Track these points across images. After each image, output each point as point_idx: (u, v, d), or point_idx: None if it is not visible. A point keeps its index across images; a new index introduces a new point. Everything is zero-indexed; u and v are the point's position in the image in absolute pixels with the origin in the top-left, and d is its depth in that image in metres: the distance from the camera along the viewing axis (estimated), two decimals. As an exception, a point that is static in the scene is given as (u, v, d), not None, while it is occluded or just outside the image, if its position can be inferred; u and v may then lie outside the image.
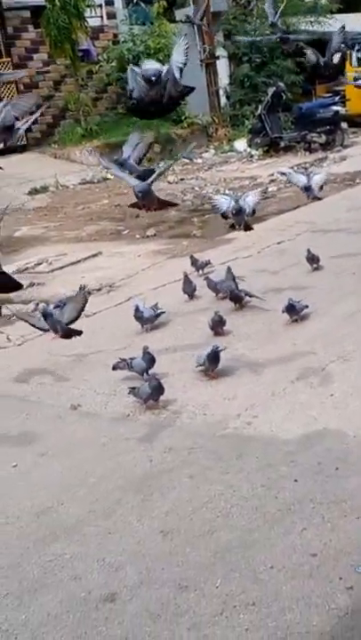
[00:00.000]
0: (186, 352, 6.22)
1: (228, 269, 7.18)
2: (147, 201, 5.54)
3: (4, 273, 5.19)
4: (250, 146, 16.87)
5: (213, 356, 5.60)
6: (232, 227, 8.58)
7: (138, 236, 10.79)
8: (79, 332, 6.22)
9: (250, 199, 9.32)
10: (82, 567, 3.79)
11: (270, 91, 16.26)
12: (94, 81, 18.70)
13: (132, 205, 6.03)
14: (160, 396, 5.31)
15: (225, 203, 9.31)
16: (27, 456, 4.99)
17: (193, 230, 11.01)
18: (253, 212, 9.34)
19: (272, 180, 13.75)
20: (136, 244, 10.19)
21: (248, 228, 8.78)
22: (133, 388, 5.39)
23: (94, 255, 9.77)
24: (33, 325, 6.40)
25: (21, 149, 17.64)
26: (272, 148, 16.36)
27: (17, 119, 9.73)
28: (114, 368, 5.83)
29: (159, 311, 6.84)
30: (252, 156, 16.50)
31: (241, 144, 17.35)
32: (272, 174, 14.07)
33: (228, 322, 6.49)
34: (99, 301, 7.83)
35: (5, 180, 14.05)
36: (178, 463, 4.61)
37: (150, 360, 5.65)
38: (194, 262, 8.09)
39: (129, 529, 4.04)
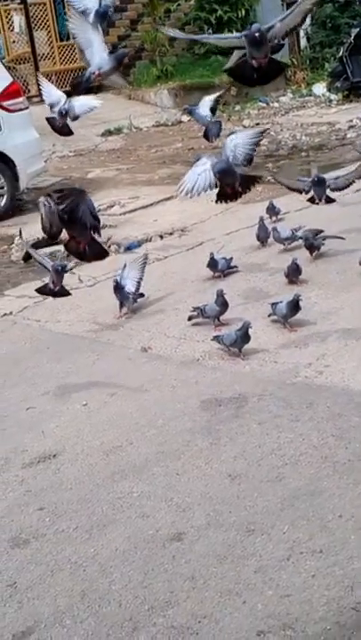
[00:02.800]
0: (257, 299, 6.17)
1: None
2: (228, 182, 5.08)
3: (94, 240, 5.13)
4: (329, 90, 16.39)
5: (295, 305, 5.49)
6: (311, 200, 7.48)
7: (211, 181, 10.67)
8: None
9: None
10: (150, 506, 3.84)
11: (353, 32, 15.70)
12: (172, 20, 18.37)
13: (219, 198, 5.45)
14: (245, 344, 5.22)
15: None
16: (96, 396, 5.06)
17: (267, 176, 10.84)
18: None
19: (351, 127, 13.40)
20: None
21: (330, 200, 7.34)
22: (217, 337, 5.31)
23: (167, 199, 9.70)
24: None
25: (96, 90, 17.53)
26: (352, 92, 15.86)
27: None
28: (189, 318, 5.85)
29: (233, 265, 6.77)
30: (330, 101, 16.06)
31: (320, 88, 16.88)
32: (351, 120, 13.70)
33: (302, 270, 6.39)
34: (170, 245, 7.81)
35: (80, 121, 13.75)
36: (247, 409, 4.60)
37: (223, 304, 5.62)
38: (270, 208, 7.94)
39: (197, 471, 4.07)
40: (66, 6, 17.07)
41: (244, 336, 5.18)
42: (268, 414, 4.50)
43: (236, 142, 5.25)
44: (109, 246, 7.80)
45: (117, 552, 3.56)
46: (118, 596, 3.29)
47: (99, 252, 5.41)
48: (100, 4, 6.75)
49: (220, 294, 5.65)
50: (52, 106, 8.12)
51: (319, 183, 7.00)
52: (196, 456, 4.20)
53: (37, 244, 8.17)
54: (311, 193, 7.01)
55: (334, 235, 6.92)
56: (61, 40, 17.26)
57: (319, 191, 6.99)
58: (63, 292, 5.63)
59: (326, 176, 7.15)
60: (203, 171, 5.44)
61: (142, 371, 5.31)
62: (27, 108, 10.26)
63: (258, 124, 14.57)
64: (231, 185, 5.09)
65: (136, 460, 4.26)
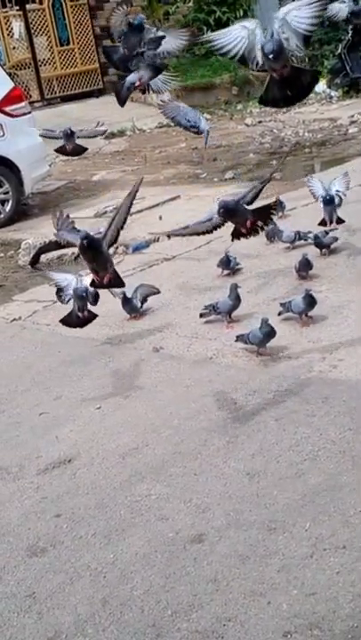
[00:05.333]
0: (268, 294, 6.11)
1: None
2: (238, 220, 4.88)
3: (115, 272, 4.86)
4: (329, 87, 16.31)
5: (311, 300, 5.41)
6: (322, 223, 6.75)
7: (216, 180, 10.64)
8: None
9: (340, 185, 7.05)
10: (169, 508, 3.78)
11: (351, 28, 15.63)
12: (170, 22, 18.33)
13: (234, 235, 5.20)
14: (270, 340, 5.09)
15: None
16: (110, 398, 5.00)
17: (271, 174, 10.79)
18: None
19: (353, 122, 13.36)
20: (214, 187, 10.03)
21: (340, 221, 6.79)
22: (241, 336, 5.18)
23: (173, 199, 9.66)
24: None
25: (98, 93, 17.56)
26: (353, 88, 15.80)
27: None
28: (201, 316, 5.79)
29: (239, 266, 6.70)
30: (331, 97, 15.98)
31: (320, 85, 16.78)
32: (352, 115, 13.66)
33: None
34: (178, 244, 7.75)
35: (83, 125, 13.94)
36: (263, 406, 4.54)
37: (237, 298, 5.57)
38: (278, 204, 7.85)
39: (215, 470, 4.01)
40: (65, 11, 17.13)
41: (270, 333, 5.06)
42: (285, 410, 4.44)
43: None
44: (117, 247, 7.75)
45: (137, 556, 3.50)
46: (140, 602, 3.23)
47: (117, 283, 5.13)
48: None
49: (234, 288, 5.59)
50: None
51: (329, 202, 6.67)
52: (213, 455, 4.15)
53: (45, 248, 8.15)
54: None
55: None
56: (61, 45, 17.25)
57: (330, 211, 6.67)
58: (90, 318, 5.30)
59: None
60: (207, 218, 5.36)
61: (155, 371, 5.25)
62: (29, 112, 10.25)
63: (260, 121, 14.53)
64: (242, 223, 4.95)
65: (153, 461, 4.21)
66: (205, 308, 5.78)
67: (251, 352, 5.18)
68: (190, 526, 3.62)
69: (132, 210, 9.34)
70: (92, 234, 4.91)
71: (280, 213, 7.82)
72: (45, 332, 6.22)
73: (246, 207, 4.98)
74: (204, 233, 5.34)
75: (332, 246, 6.71)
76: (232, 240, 5.33)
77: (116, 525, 3.74)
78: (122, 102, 6.91)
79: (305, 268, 6.21)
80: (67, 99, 17.03)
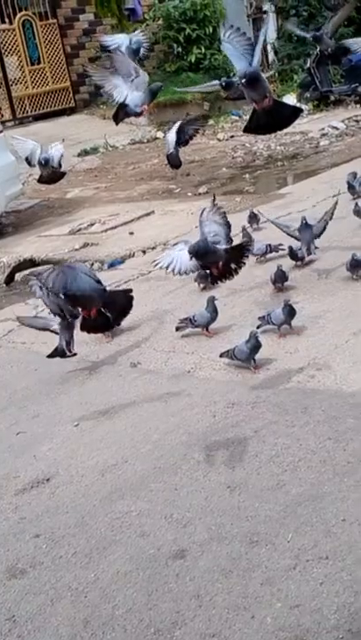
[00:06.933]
0: (244, 306, 6.10)
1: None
2: (210, 261, 4.77)
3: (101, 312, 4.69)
4: (299, 101, 16.42)
5: (290, 310, 5.38)
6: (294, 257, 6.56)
7: (190, 194, 10.66)
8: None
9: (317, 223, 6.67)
10: (150, 524, 3.73)
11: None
12: (140, 39, 18.41)
13: (215, 278, 5.06)
14: (257, 354, 5.02)
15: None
16: (88, 415, 4.95)
17: (245, 186, 10.85)
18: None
19: (323, 135, 13.48)
20: (188, 202, 10.04)
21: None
22: (226, 352, 5.12)
23: (147, 214, 9.66)
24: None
25: (70, 111, 17.57)
26: (322, 102, 15.96)
27: None
28: (177, 329, 5.76)
29: None
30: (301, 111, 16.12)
31: (290, 99, 16.93)
32: (323, 128, 13.78)
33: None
34: (153, 259, 7.72)
35: (55, 142, 13.97)
36: (242, 417, 4.51)
37: (214, 310, 5.55)
38: (252, 217, 7.87)
39: (195, 484, 3.97)
40: (35, 31, 17.15)
41: (256, 346, 5.01)
42: (264, 421, 4.42)
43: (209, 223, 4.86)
44: (92, 264, 7.73)
45: (119, 575, 3.45)
46: (123, 621, 3.17)
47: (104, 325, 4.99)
48: (130, 42, 6.99)
49: (212, 300, 5.57)
50: (29, 160, 8.10)
51: (306, 228, 6.46)
52: (193, 469, 4.10)
53: (20, 266, 8.11)
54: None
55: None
56: (32, 64, 17.25)
57: (308, 241, 6.44)
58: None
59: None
60: (178, 253, 5.27)
61: (134, 386, 5.21)
62: (1, 131, 10.21)
63: (232, 136, 14.59)
64: (214, 264, 4.81)
65: (133, 477, 4.16)
66: (182, 321, 5.75)
67: (237, 367, 5.14)
68: (172, 542, 3.58)
69: (106, 226, 9.38)
70: None
71: (255, 225, 7.85)
72: (22, 351, 6.16)
73: (218, 248, 4.83)
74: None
75: (306, 258, 6.72)
76: (212, 283, 5.20)
77: (97, 544, 3.68)
78: (117, 123, 7.22)
79: (280, 279, 6.21)
80: (39, 117, 17.01)
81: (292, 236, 6.67)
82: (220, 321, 5.70)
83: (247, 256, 4.90)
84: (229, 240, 5.17)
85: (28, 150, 8.33)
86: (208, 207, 5.32)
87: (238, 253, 4.86)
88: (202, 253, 4.88)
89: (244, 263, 4.96)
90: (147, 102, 6.72)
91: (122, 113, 6.94)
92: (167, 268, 5.56)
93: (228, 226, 5.28)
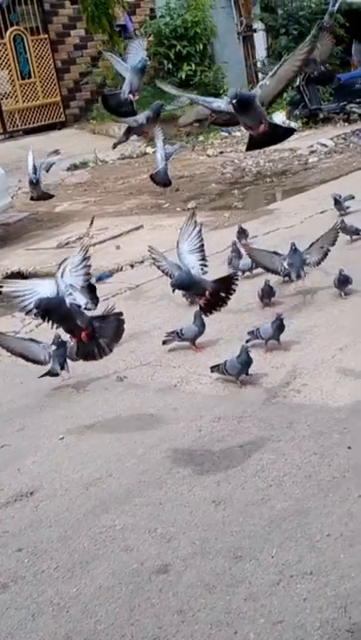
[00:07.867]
0: (231, 321, 6.09)
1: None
2: (195, 291, 4.66)
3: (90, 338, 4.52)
4: (288, 118, 16.53)
5: (280, 325, 5.38)
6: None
7: (178, 209, 10.66)
8: None
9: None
10: (133, 538, 3.71)
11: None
12: (131, 55, 18.50)
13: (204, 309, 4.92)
14: (248, 368, 5.01)
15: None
16: (73, 428, 4.93)
17: (234, 202, 10.89)
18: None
19: (312, 152, 13.54)
20: (177, 217, 10.02)
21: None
22: (216, 366, 5.10)
23: (136, 228, 9.66)
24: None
25: (60, 126, 17.61)
26: (311, 119, 16.06)
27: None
28: (164, 343, 5.75)
29: None
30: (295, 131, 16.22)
31: (279, 116, 17.03)
32: (312, 145, 13.85)
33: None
34: (142, 274, 7.74)
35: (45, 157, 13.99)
36: (228, 432, 4.50)
37: (202, 325, 5.54)
38: (240, 232, 7.88)
39: (180, 499, 3.95)
40: (27, 45, 17.19)
41: (248, 361, 5.00)
42: (250, 436, 4.41)
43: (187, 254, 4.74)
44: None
45: (102, 589, 3.42)
46: (105, 636, 3.14)
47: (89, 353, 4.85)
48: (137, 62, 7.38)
49: (199, 315, 5.56)
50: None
51: (295, 254, 6.33)
52: (178, 483, 4.08)
53: (8, 279, 8.07)
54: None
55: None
56: (23, 78, 17.29)
57: (298, 266, 6.31)
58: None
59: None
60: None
61: (120, 400, 5.19)
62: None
63: (222, 152, 14.66)
64: (201, 294, 4.72)
65: (117, 491, 4.13)
66: (168, 334, 5.74)
67: (223, 382, 5.14)
68: (155, 556, 3.55)
69: (95, 240, 9.38)
70: None
71: (243, 241, 7.86)
72: (7, 364, 6.12)
73: (203, 279, 4.72)
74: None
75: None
76: (205, 315, 5.15)
77: (80, 558, 3.65)
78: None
79: (267, 295, 6.22)
80: (29, 131, 17.03)
81: (272, 271, 6.53)
82: (206, 335, 5.70)
83: (234, 289, 4.81)
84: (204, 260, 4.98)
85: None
86: (186, 224, 5.10)
87: (226, 285, 4.78)
88: (186, 286, 4.83)
89: (233, 292, 4.86)
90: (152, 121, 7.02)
91: (130, 133, 7.27)
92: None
93: (201, 249, 5.06)
